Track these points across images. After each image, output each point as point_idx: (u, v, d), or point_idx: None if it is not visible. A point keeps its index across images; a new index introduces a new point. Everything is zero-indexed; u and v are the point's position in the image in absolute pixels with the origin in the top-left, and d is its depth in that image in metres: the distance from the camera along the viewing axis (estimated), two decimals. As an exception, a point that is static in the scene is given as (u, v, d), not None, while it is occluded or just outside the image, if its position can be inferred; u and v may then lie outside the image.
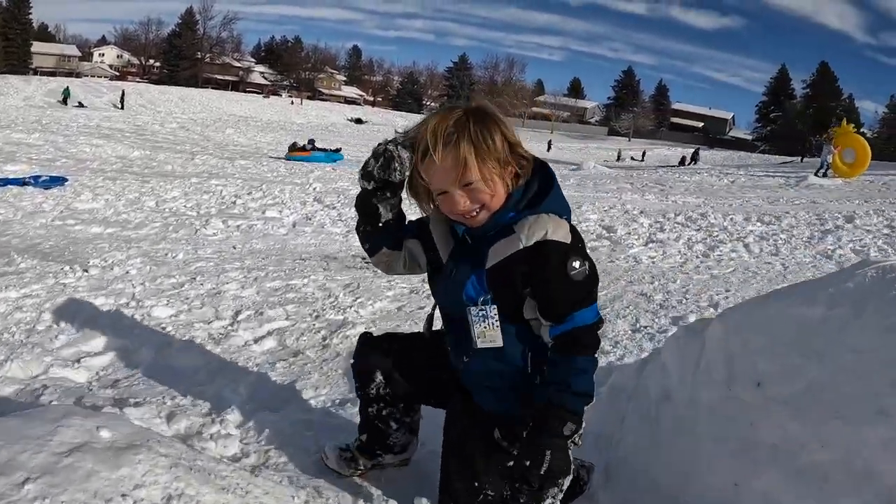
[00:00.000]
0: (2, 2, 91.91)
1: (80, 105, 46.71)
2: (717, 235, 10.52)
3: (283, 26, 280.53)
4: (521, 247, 2.04)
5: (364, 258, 6.84)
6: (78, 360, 4.34)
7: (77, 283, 5.98)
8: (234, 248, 7.52)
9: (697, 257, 8.91)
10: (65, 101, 47.62)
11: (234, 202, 10.42)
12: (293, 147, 22.04)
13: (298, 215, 9.55)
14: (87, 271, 6.34)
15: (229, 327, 4.84)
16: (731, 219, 12.13)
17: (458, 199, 2.03)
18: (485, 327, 2.17)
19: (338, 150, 22.70)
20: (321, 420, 3.39)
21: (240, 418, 3.25)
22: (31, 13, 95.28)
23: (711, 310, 5.69)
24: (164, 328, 4.81)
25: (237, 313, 5.13)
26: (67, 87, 51.10)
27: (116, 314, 5.11)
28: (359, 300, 5.54)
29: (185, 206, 10.27)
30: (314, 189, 12.33)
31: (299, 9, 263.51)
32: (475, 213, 2.08)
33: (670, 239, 9.98)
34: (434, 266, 2.36)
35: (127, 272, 6.29)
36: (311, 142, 22.47)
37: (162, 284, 5.89)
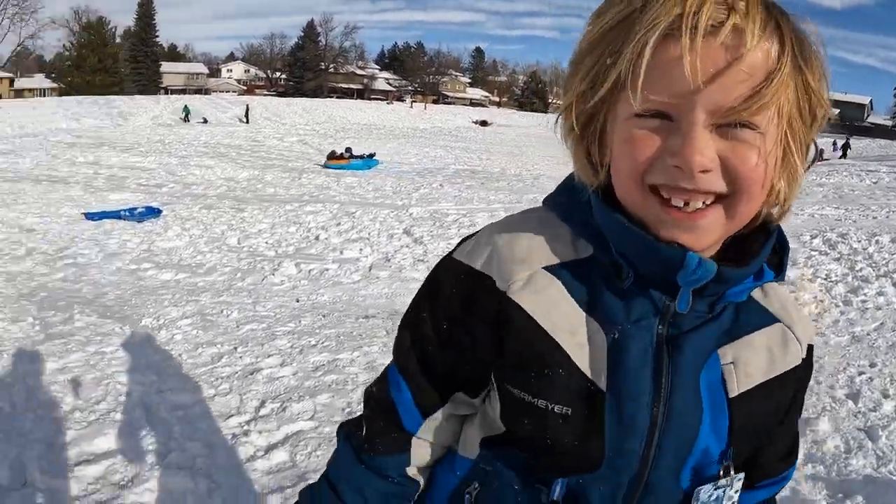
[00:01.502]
0: (130, 27, 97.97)
1: (205, 121, 48.97)
2: (860, 269, 8.89)
3: (406, 32, 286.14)
4: (801, 357, 1.13)
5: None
6: (76, 465, 4.09)
7: (117, 353, 5.81)
8: (297, 301, 7.26)
9: (837, 305, 7.58)
10: (186, 119, 50.03)
11: (318, 237, 10.24)
12: (331, 155, 22.05)
13: (378, 255, 9.20)
14: (133, 336, 6.20)
15: (245, 426, 4.48)
16: (878, 241, 10.33)
17: (703, 147, 0.86)
18: None
19: (372, 156, 22.53)
20: None
21: None
22: (157, 36, 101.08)
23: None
24: (172, 426, 4.49)
25: (261, 405, 4.76)
26: (186, 105, 53.64)
27: (135, 400, 4.85)
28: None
29: (266, 242, 10.21)
30: (410, 215, 12.01)
31: (421, 13, 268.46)
32: (701, 209, 0.91)
33: (805, 277, 8.65)
34: (558, 390, 1.02)
35: (173, 337, 6.14)
36: (349, 150, 22.41)
37: (200, 357, 5.66)
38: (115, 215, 12.67)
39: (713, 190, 0.89)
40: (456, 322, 1.10)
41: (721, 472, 1.08)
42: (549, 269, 1.04)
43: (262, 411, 4.66)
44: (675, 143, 0.87)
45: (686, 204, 0.90)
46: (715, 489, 1.08)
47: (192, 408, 4.72)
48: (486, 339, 1.08)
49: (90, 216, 12.96)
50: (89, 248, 10.35)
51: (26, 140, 37.56)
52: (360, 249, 9.38)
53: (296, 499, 1.30)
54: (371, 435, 1.21)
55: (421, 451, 1.21)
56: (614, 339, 1.00)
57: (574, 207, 1.07)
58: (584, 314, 1.02)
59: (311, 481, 3.32)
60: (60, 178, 20.28)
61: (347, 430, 1.25)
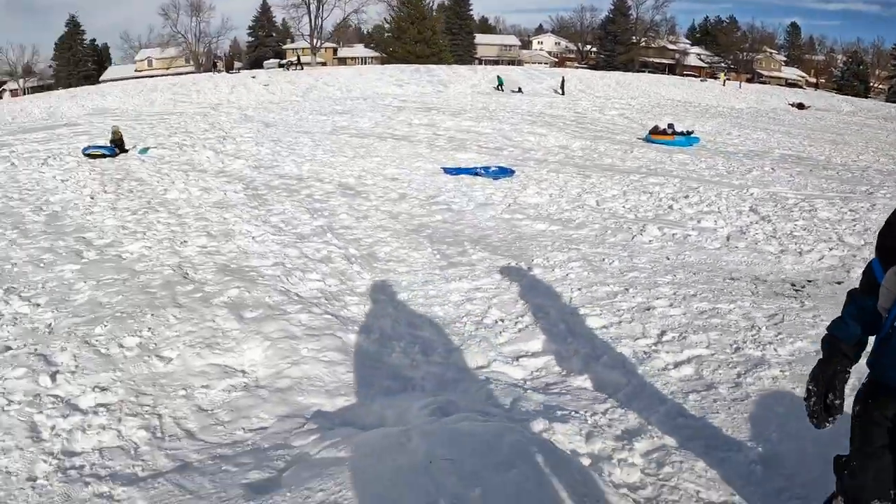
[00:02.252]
0: (444, 1, 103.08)
1: (519, 91, 51.09)
2: None
3: (717, 5, 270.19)
4: None
5: (793, 285, 6.88)
6: (517, 359, 5.25)
7: (521, 282, 7.00)
8: (667, 258, 8.02)
9: None
10: (499, 88, 52.64)
11: (671, 206, 10.91)
12: (654, 130, 21.92)
13: (733, 227, 9.68)
14: (530, 270, 7.37)
15: (653, 347, 5.38)
16: None
17: None
18: None
19: (691, 133, 21.97)
20: (725, 469, 3.66)
21: (646, 448, 3.74)
22: (471, 9, 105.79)
23: None
24: (593, 339, 5.52)
25: (662, 333, 5.65)
26: (499, 75, 56.19)
27: (554, 318, 5.96)
28: (780, 336, 5.63)
29: (623, 206, 11.12)
30: (751, 195, 12.26)
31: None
32: None
33: None
34: None
35: (567, 275, 7.23)
36: (671, 126, 22.08)
37: (597, 292, 6.69)
38: (472, 172, 14.30)
39: None
40: None
41: None
42: None
43: (665, 338, 5.55)
44: None
45: None
46: None
47: (607, 329, 5.74)
48: None
49: (448, 171, 14.73)
50: (458, 198, 11.95)
51: (357, 102, 41.89)
52: (715, 221, 9.92)
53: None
54: (861, 285, 2.41)
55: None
56: None
57: None
58: None
59: (716, 390, 4.08)
60: (402, 136, 22.78)
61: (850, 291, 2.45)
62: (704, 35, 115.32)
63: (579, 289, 6.73)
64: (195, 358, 5.75)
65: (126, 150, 21.83)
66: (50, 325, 6.99)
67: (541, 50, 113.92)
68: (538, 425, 3.76)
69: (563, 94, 48.88)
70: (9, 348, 6.34)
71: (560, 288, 6.79)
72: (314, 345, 5.68)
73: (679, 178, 13.63)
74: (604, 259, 7.83)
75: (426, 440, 2.76)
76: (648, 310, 6.20)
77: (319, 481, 2.94)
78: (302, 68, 72.76)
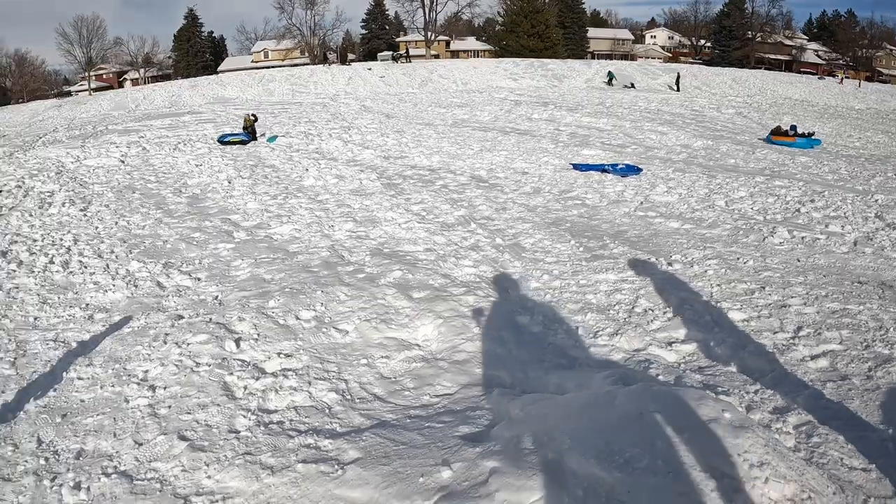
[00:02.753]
0: None
1: (631, 86, 50.88)
2: None
3: None
4: None
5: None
6: (669, 344, 5.93)
7: (663, 276, 7.67)
8: (798, 260, 8.45)
9: None
10: (610, 83, 52.43)
11: (798, 210, 11.18)
12: (776, 131, 21.64)
13: (859, 233, 9.91)
14: (671, 265, 8.00)
15: (790, 340, 5.96)
16: None
17: None
18: None
19: (812, 135, 21.58)
20: (862, 444, 4.17)
21: (796, 422, 4.37)
22: (583, 3, 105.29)
23: None
24: (736, 330, 6.17)
25: (798, 328, 6.20)
26: (610, 70, 55.99)
27: (699, 310, 6.60)
28: (906, 339, 6.07)
29: (751, 208, 11.45)
30: (875, 201, 12.38)
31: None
32: None
33: None
34: None
35: (705, 271, 7.83)
36: (794, 127, 21.76)
37: (735, 289, 7.27)
38: (600, 168, 14.90)
39: None
40: None
41: None
42: None
43: (801, 333, 6.10)
44: None
45: None
46: None
47: (748, 322, 6.36)
48: None
49: (577, 167, 15.37)
50: (591, 194, 12.61)
51: (473, 95, 42.65)
52: (842, 226, 10.18)
53: None
54: None
55: None
56: None
57: None
58: None
59: (850, 381, 4.66)
60: (524, 131, 23.41)
61: None
62: (822, 30, 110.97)
63: (718, 285, 7.30)
64: (372, 331, 6.62)
65: (256, 138, 23.29)
66: (217, 297, 8.00)
67: (654, 44, 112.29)
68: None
69: (678, 90, 48.37)
70: (181, 317, 7.37)
71: (700, 283, 7.38)
72: (484, 323, 6.49)
73: (803, 182, 13.81)
74: (738, 258, 8.32)
75: (631, 398, 3.47)
76: (784, 307, 6.71)
77: (531, 431, 3.69)
78: (409, 61, 74.33)
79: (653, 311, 6.69)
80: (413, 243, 9.80)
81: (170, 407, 5.38)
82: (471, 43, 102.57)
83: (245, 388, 5.64)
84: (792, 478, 2.93)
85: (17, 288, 8.53)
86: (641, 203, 11.77)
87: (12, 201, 14.25)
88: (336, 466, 4.17)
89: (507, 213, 11.39)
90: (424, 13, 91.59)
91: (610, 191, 12.84)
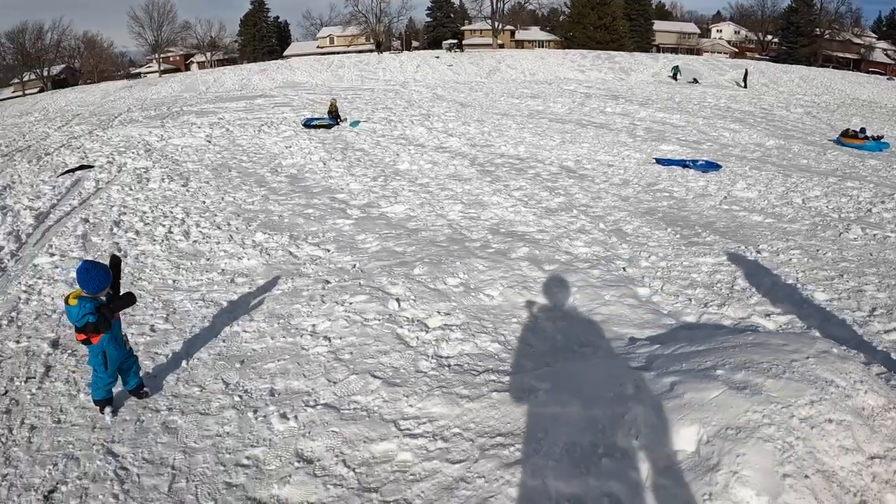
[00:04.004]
0: None
1: (695, 81, 51.13)
2: None
3: None
4: None
5: None
6: (768, 315, 7.14)
7: (754, 262, 8.85)
8: (871, 254, 9.44)
9: None
10: (674, 77, 52.68)
11: (870, 210, 12.03)
12: (846, 133, 21.99)
13: (929, 233, 10.91)
14: (759, 253, 9.16)
15: (867, 318, 7.11)
16: None
17: None
18: None
19: (881, 138, 21.85)
20: None
21: (878, 371, 5.42)
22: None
23: None
24: (822, 308, 7.38)
25: (873, 309, 7.33)
26: (677, 65, 56.00)
27: (788, 290, 7.80)
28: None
29: (826, 206, 12.34)
30: (947, 205, 13.22)
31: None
32: None
33: None
34: None
35: (790, 259, 8.97)
36: (863, 130, 22.06)
37: (817, 275, 8.42)
38: (682, 163, 15.96)
39: None
40: None
41: None
42: None
43: (875, 312, 7.20)
44: None
45: None
46: None
47: (830, 302, 7.50)
48: None
49: (660, 161, 16.44)
50: (676, 187, 13.74)
51: (542, 87, 43.59)
52: (908, 228, 11.20)
53: None
54: None
55: None
56: None
57: None
58: None
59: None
60: (600, 123, 24.45)
61: None
62: (892, 28, 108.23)
63: (802, 271, 8.43)
64: (516, 296, 7.87)
65: (339, 122, 24.69)
66: (355, 265, 9.16)
67: (720, 39, 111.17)
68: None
69: (745, 87, 48.29)
70: (328, 282, 8.53)
71: (787, 269, 8.50)
72: (614, 293, 7.76)
73: (873, 184, 14.57)
74: (818, 250, 9.39)
75: (783, 338, 4.75)
76: (860, 291, 7.78)
77: (688, 366, 4.92)
78: (463, 51, 75.92)
79: (750, 289, 7.88)
80: (525, 225, 11.03)
81: (351, 353, 6.47)
82: (535, 33, 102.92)
83: (417, 338, 6.75)
84: (883, 393, 4.11)
85: (143, 254, 9.83)
86: (725, 198, 12.81)
87: (107, 176, 15.81)
88: (528, 392, 5.31)
89: (603, 202, 12.55)
90: (492, 2, 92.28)
91: (694, 185, 13.92)
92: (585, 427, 4.38)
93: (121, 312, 5.64)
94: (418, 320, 7.23)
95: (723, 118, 26.74)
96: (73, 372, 6.43)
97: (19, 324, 7.63)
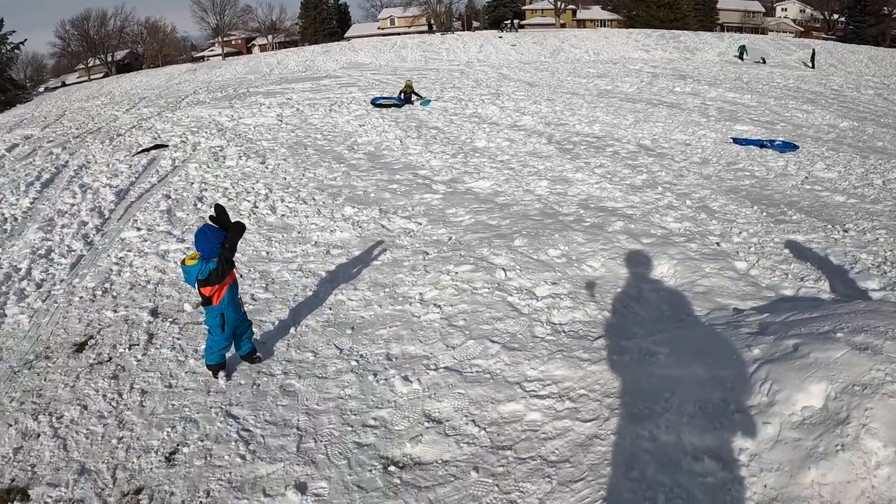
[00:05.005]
0: None
1: (763, 61, 49.67)
2: None
3: None
4: None
5: None
6: (864, 291, 7.31)
7: (842, 240, 8.96)
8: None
9: None
10: (740, 57, 51.47)
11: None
12: None
13: None
14: (847, 232, 9.29)
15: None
16: None
17: None
18: None
19: None
20: None
21: None
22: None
23: None
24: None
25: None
26: (743, 45, 54.31)
27: (878, 267, 7.98)
28: None
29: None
30: None
31: None
32: None
33: None
34: None
35: (876, 238, 9.04)
36: None
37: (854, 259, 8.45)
38: (759, 143, 15.97)
39: None
40: None
41: None
42: None
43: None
44: None
45: None
46: None
47: (876, 292, 7.55)
48: None
49: (738, 141, 16.46)
50: (756, 167, 13.83)
51: (608, 66, 43.21)
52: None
53: None
54: None
55: None
56: None
57: None
58: None
59: None
60: (672, 104, 24.33)
61: None
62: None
63: (891, 250, 8.54)
64: (619, 267, 8.17)
65: (411, 101, 25.01)
66: (451, 238, 9.44)
67: (785, 17, 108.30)
68: None
69: (812, 67, 46.99)
70: (426, 253, 8.82)
71: (875, 248, 8.56)
72: (713, 265, 8.03)
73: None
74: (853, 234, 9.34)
75: (890, 305, 5.04)
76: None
77: (807, 330, 5.22)
78: (517, 31, 75.64)
79: (843, 265, 8.07)
80: (614, 201, 11.28)
81: (465, 320, 6.79)
82: (597, 12, 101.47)
83: (528, 306, 7.05)
84: None
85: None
86: (806, 178, 12.81)
87: (182, 154, 16.38)
88: (648, 356, 5.61)
89: (686, 180, 12.70)
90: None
91: (773, 165, 13.93)
92: (713, 387, 4.73)
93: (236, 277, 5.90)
94: (526, 289, 7.52)
95: (794, 99, 26.30)
96: (178, 339, 6.85)
97: (114, 294, 8.12)
